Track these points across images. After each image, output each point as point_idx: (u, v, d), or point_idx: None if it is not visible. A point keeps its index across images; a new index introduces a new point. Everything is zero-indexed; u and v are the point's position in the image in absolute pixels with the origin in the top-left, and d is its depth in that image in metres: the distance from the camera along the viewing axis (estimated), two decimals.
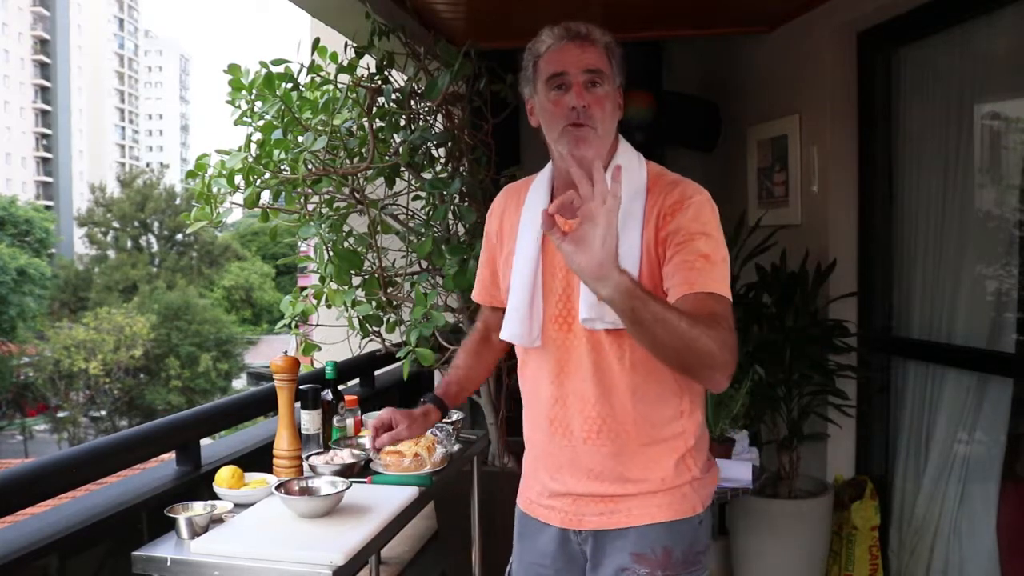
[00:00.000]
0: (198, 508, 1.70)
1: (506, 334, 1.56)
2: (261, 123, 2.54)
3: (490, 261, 1.70)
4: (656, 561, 1.45)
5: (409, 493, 1.90)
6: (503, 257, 1.63)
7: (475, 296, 1.77)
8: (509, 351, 1.74)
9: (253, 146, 2.57)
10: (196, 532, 1.62)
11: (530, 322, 1.51)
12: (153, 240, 35.28)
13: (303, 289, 2.81)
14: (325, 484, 1.78)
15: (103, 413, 25.40)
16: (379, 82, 2.73)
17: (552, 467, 1.54)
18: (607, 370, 1.46)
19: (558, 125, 1.46)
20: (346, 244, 2.70)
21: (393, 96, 2.72)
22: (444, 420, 2.44)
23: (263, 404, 2.50)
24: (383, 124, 2.73)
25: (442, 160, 2.97)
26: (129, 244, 34.55)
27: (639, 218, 1.44)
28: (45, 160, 53.00)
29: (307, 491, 1.77)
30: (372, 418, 2.44)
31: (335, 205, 2.72)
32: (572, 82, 1.44)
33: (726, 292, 1.36)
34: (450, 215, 2.83)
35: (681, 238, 1.40)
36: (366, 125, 2.62)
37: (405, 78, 2.86)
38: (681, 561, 1.46)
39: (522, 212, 1.59)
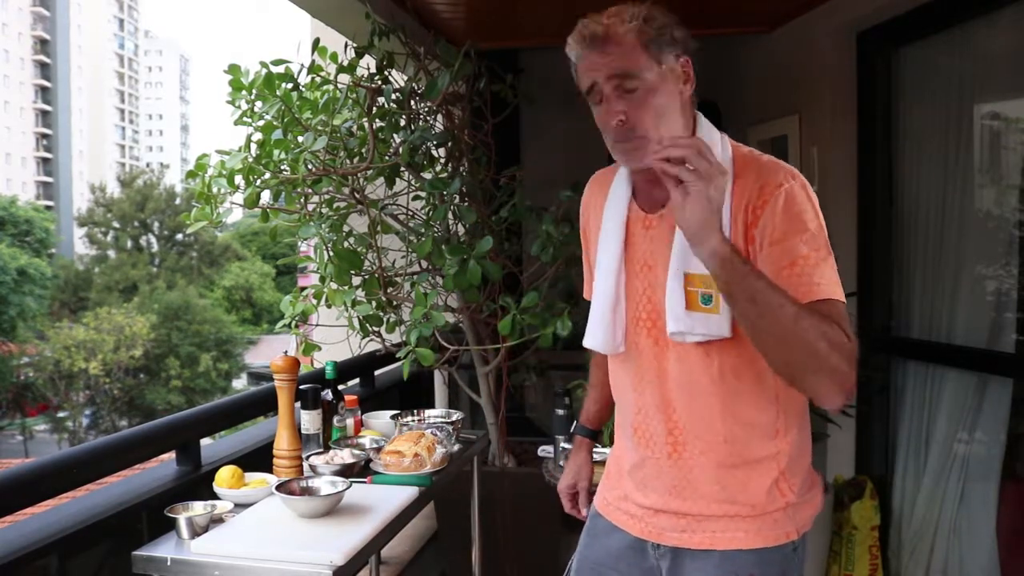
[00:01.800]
0: (198, 508, 1.70)
1: (589, 341, 1.44)
2: (261, 123, 2.54)
3: (588, 259, 1.54)
4: None
5: (409, 493, 1.90)
6: (594, 254, 1.48)
7: (586, 295, 1.55)
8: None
9: (253, 146, 2.57)
10: (196, 532, 1.62)
11: (613, 328, 1.40)
12: (153, 240, 35.29)
13: (303, 289, 2.81)
14: (325, 484, 1.79)
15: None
16: (379, 82, 2.73)
17: (636, 477, 1.44)
18: (693, 381, 1.34)
19: (608, 139, 1.33)
20: (346, 244, 2.70)
21: (393, 96, 2.72)
22: (445, 420, 2.45)
23: (263, 404, 2.50)
24: (383, 124, 2.73)
25: (442, 160, 2.97)
26: (129, 244, 34.56)
27: (725, 211, 1.26)
28: (45, 160, 53.00)
29: (307, 491, 1.77)
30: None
31: (335, 205, 2.72)
32: (603, 93, 1.29)
33: (837, 294, 1.23)
34: (450, 215, 2.83)
35: (774, 238, 1.24)
36: (366, 125, 2.62)
37: (405, 78, 2.86)
38: None
39: (604, 212, 1.44)
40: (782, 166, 1.30)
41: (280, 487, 1.76)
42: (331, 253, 2.58)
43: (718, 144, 1.32)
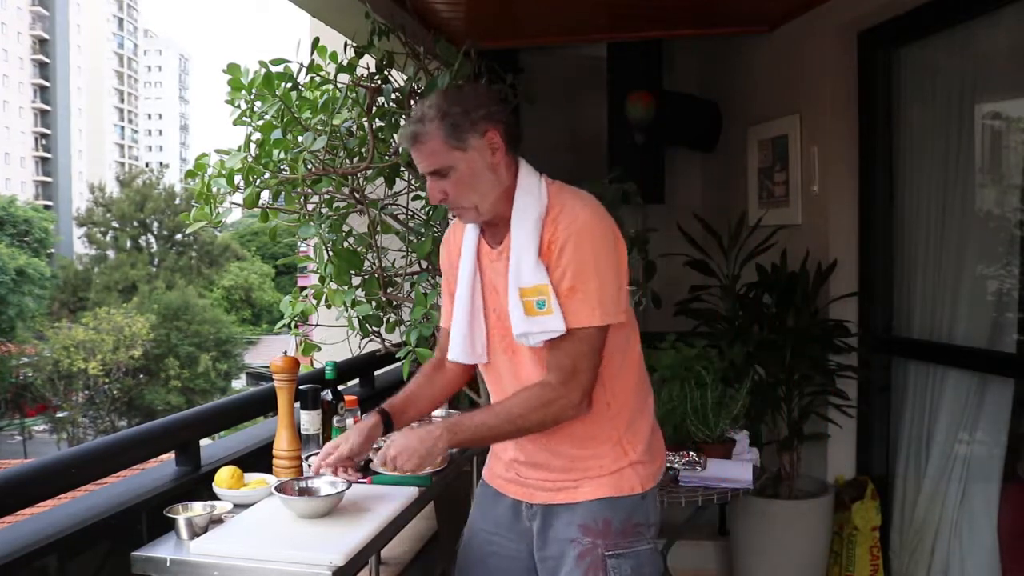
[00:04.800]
0: (198, 508, 1.69)
1: (452, 355, 1.74)
2: (261, 123, 2.53)
3: (450, 289, 1.83)
4: (598, 531, 1.63)
5: (409, 493, 1.90)
6: (454, 285, 1.78)
7: (442, 323, 1.90)
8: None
9: (253, 146, 2.56)
10: (196, 532, 1.61)
11: (473, 342, 1.70)
12: (152, 240, 35.23)
13: (303, 289, 2.80)
14: (325, 484, 1.78)
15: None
16: (379, 82, 2.73)
17: (508, 456, 1.76)
18: (530, 380, 1.64)
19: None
20: (346, 244, 2.70)
21: (393, 96, 2.71)
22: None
23: (263, 404, 2.50)
24: (383, 124, 2.72)
25: None
26: (128, 244, 34.50)
27: (536, 246, 1.58)
28: (44, 160, 52.97)
29: (306, 491, 1.76)
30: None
31: (335, 205, 2.72)
32: (427, 179, 1.62)
33: (589, 320, 1.54)
34: (450, 215, 2.83)
35: (559, 273, 1.55)
36: (366, 125, 2.61)
37: (405, 78, 2.86)
38: (620, 531, 1.63)
39: (462, 244, 1.74)
40: (573, 203, 1.58)
41: (279, 487, 1.75)
42: (331, 253, 2.58)
43: (536, 187, 1.62)
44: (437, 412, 2.57)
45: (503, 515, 1.77)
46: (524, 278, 1.56)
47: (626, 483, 1.65)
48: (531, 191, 1.62)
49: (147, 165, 55.18)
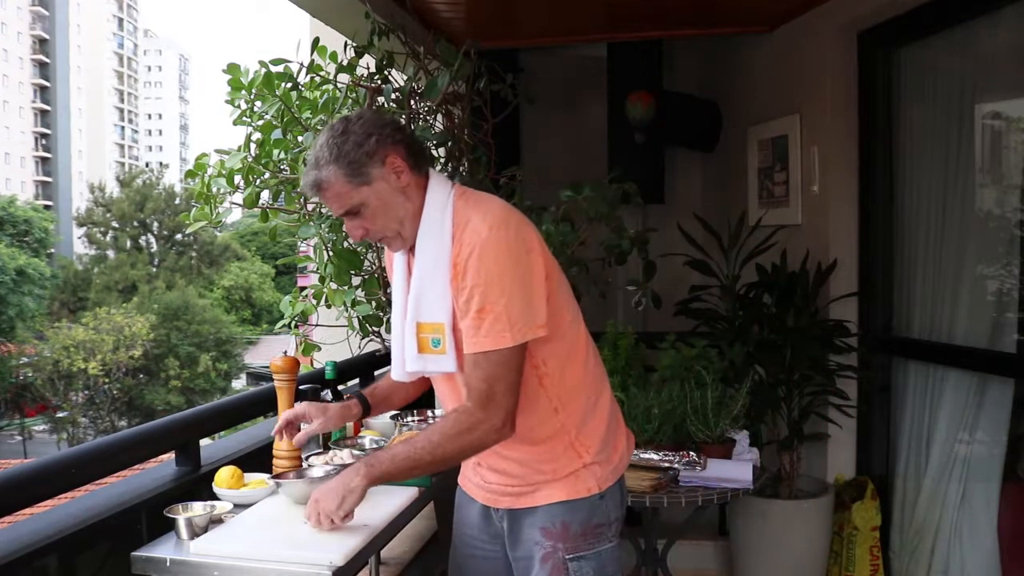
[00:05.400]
0: (198, 508, 1.69)
1: (393, 374, 1.74)
2: (261, 123, 2.54)
3: None
4: (557, 534, 1.63)
5: (409, 493, 1.90)
6: None
7: None
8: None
9: (253, 146, 2.56)
10: (196, 533, 1.61)
11: (403, 359, 1.67)
12: (152, 240, 35.23)
13: (303, 289, 2.80)
14: (319, 473, 1.79)
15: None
16: (379, 82, 2.73)
17: (473, 460, 1.74)
18: (463, 394, 1.60)
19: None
20: (346, 244, 2.70)
21: (393, 96, 2.72)
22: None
23: (263, 404, 2.49)
24: None
25: (442, 160, 2.97)
26: (128, 244, 34.50)
27: (446, 269, 1.54)
28: (44, 160, 52.98)
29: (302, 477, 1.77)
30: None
31: None
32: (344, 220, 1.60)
33: (501, 342, 1.48)
34: None
35: (466, 295, 1.50)
36: None
37: (405, 78, 2.86)
38: (579, 533, 1.64)
39: (394, 265, 1.71)
40: (479, 217, 1.51)
41: (275, 479, 1.75)
42: (331, 253, 2.58)
43: (442, 205, 1.56)
44: (434, 412, 2.57)
45: (476, 518, 1.79)
46: (424, 313, 1.56)
47: (582, 485, 1.64)
48: (435, 212, 1.57)
49: (147, 165, 55.18)
